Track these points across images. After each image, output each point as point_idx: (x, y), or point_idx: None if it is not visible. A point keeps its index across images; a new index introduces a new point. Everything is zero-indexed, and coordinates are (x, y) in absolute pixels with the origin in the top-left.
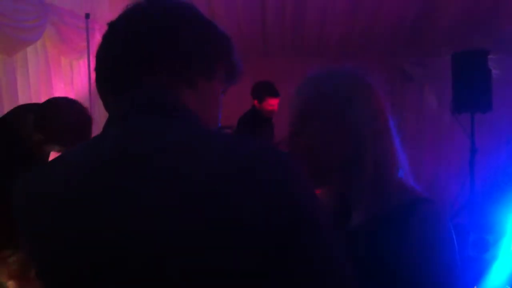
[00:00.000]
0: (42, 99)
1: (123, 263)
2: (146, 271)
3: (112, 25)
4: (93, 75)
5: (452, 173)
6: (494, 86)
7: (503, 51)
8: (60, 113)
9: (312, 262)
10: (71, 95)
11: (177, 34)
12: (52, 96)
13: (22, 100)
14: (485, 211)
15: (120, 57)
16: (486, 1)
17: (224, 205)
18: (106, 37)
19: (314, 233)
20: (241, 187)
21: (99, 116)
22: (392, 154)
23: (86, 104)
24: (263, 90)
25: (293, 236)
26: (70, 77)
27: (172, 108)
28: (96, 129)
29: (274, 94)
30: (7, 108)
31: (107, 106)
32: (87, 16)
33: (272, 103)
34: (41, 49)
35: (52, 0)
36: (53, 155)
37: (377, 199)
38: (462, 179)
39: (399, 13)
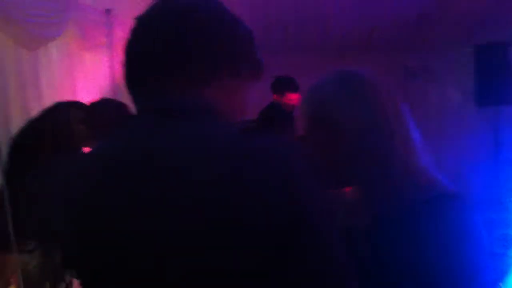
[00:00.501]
0: (66, 94)
1: (123, 263)
2: (146, 271)
3: (141, 21)
4: (116, 70)
5: (477, 168)
6: None
7: None
8: (108, 112)
9: (312, 262)
10: (94, 90)
11: (207, 33)
12: (75, 92)
13: (47, 95)
14: (510, 206)
15: (150, 55)
16: None
17: (224, 205)
18: (135, 33)
19: (314, 233)
20: (241, 187)
21: None
22: (411, 151)
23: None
24: (283, 85)
25: (293, 236)
26: (92, 72)
27: (188, 109)
28: None
29: (294, 89)
30: (32, 103)
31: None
32: (108, 11)
33: (292, 98)
34: (63, 45)
35: None
36: None
37: (398, 193)
38: (487, 174)
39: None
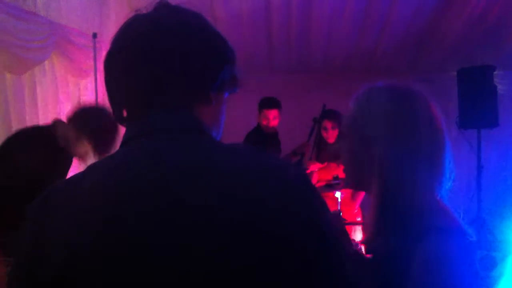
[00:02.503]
0: (50, 118)
1: (142, 278)
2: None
3: (132, 40)
4: (100, 94)
5: (459, 189)
6: (500, 101)
7: (508, 66)
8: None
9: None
10: None
11: (197, 51)
12: (58, 116)
13: (30, 119)
14: (492, 228)
15: (142, 74)
16: (490, 17)
17: (244, 226)
18: (128, 53)
19: (333, 256)
20: (262, 208)
21: None
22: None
23: None
24: (260, 103)
25: (315, 260)
26: (77, 96)
27: (192, 129)
28: None
29: (267, 105)
30: (15, 127)
31: (120, 118)
32: (95, 35)
33: (266, 114)
34: (48, 69)
35: (60, 19)
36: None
37: (400, 224)
38: (469, 195)
39: (403, 32)
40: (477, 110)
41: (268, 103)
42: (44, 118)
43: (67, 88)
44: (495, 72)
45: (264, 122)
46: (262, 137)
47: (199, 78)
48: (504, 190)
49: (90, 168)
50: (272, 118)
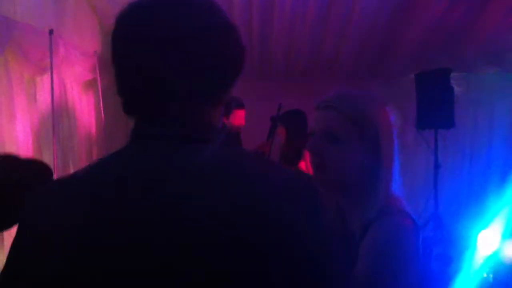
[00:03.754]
0: (4, 116)
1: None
2: None
3: (137, 31)
4: (57, 92)
5: (416, 188)
6: (457, 103)
7: (465, 69)
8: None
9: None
10: (34, 112)
11: (218, 50)
12: (15, 114)
13: None
14: (448, 226)
15: (155, 71)
16: (447, 24)
17: (247, 237)
18: (128, 43)
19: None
20: (266, 217)
21: (63, 132)
22: (393, 177)
23: (48, 121)
24: (229, 104)
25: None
26: (33, 93)
27: (203, 131)
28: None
29: (240, 106)
30: None
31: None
32: (51, 32)
33: (240, 115)
34: (2, 66)
35: (13, 15)
36: None
37: (367, 209)
38: (426, 194)
39: (363, 40)
40: (434, 111)
41: (241, 103)
42: None
43: (22, 86)
44: (452, 74)
45: (237, 122)
46: (228, 136)
47: (221, 81)
48: (460, 189)
49: (94, 166)
50: (243, 117)
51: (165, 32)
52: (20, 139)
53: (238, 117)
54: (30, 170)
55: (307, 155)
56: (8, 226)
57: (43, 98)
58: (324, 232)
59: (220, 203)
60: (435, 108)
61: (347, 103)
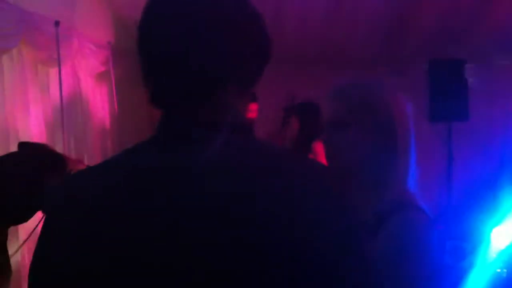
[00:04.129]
0: (18, 107)
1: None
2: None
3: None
4: (71, 84)
5: (430, 181)
6: (471, 95)
7: (479, 60)
8: None
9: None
10: (47, 103)
11: (245, 40)
12: (28, 104)
13: None
14: (462, 219)
15: (194, 65)
16: (461, 12)
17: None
18: (165, 38)
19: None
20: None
21: (76, 124)
22: (409, 167)
23: (57, 113)
24: None
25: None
26: (46, 84)
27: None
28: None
29: (253, 99)
30: None
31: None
32: (57, 23)
33: (253, 109)
34: (17, 57)
35: (29, 7)
36: None
37: (382, 200)
38: (439, 187)
39: (373, 26)
40: (448, 103)
41: (253, 96)
42: (11, 106)
43: (35, 77)
44: (466, 65)
45: (249, 115)
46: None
47: (252, 74)
48: (474, 182)
49: (112, 160)
50: (256, 111)
51: (191, 23)
52: (33, 130)
53: (251, 111)
54: (47, 160)
55: (316, 147)
56: (28, 216)
57: (57, 90)
58: (332, 234)
59: (221, 202)
60: (449, 100)
61: (357, 91)
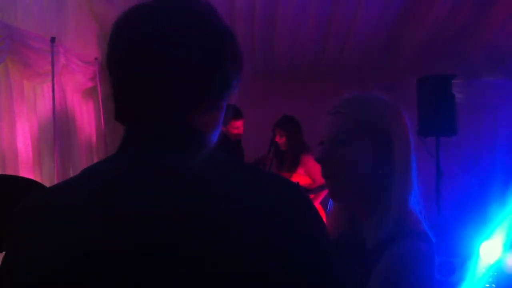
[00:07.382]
0: (4, 124)
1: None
2: None
3: (137, 38)
4: (58, 99)
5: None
6: (459, 110)
7: (467, 75)
8: None
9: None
10: (34, 120)
11: (219, 55)
12: (14, 121)
13: None
14: (451, 234)
15: (154, 76)
16: (450, 28)
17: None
18: (128, 49)
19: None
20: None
21: (63, 140)
22: (410, 185)
23: (48, 129)
24: (226, 113)
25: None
26: (33, 102)
27: (189, 138)
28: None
29: (237, 116)
30: None
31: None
32: (53, 40)
33: (237, 126)
34: (3, 73)
35: (16, 23)
36: None
37: (383, 228)
38: (428, 202)
39: (366, 42)
40: (436, 118)
41: (237, 113)
42: None
43: (22, 94)
44: (453, 81)
45: (234, 132)
46: (226, 145)
47: (200, 86)
48: (463, 197)
49: (88, 172)
50: (241, 127)
51: (158, 40)
52: (20, 147)
53: (235, 127)
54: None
55: (305, 160)
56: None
57: (43, 106)
58: (320, 241)
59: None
60: (437, 115)
61: (356, 107)
